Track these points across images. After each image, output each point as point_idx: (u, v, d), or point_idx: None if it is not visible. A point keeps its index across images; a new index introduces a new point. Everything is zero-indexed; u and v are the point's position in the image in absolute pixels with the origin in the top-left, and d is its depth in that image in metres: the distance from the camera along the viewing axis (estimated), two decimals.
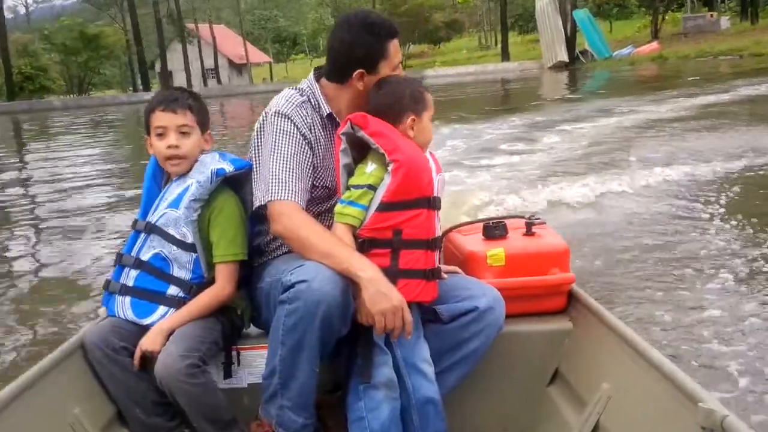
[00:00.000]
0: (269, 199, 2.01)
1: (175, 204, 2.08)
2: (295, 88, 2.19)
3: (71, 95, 57.71)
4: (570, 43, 44.34)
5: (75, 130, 25.72)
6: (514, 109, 17.90)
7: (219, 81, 64.07)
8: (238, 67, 70.14)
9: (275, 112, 2.11)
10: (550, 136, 11.96)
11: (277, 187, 2.01)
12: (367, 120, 1.98)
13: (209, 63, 64.97)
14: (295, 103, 2.13)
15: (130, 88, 63.66)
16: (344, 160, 2.03)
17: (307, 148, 2.09)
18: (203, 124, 2.17)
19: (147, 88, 53.51)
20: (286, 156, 2.05)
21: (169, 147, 2.09)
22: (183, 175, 2.12)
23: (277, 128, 2.08)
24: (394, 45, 2.11)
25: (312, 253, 1.89)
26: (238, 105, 34.92)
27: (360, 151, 2.03)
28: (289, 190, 2.01)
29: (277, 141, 2.07)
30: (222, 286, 2.09)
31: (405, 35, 55.45)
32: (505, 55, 52.84)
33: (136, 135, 19.62)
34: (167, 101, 2.11)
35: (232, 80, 67.13)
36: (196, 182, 2.08)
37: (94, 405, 1.98)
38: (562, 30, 44.13)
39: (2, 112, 41.36)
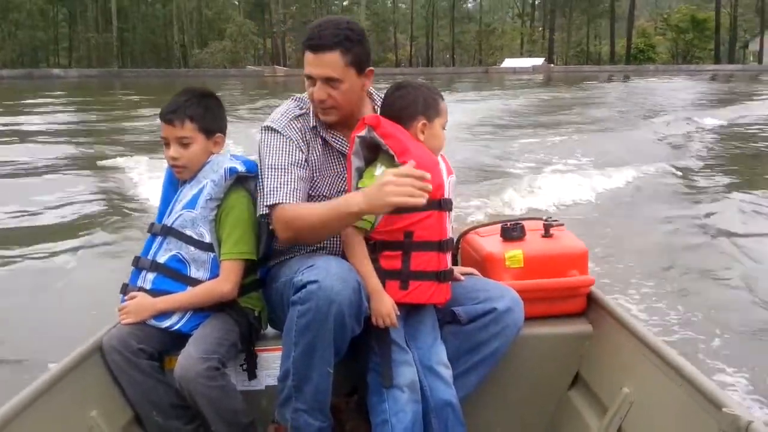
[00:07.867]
0: (264, 211, 2.03)
1: (191, 205, 2.10)
2: (295, 100, 2.19)
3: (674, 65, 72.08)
4: None
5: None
6: None
7: None
8: None
9: (265, 127, 2.13)
10: None
11: (269, 198, 2.01)
12: (379, 121, 1.98)
13: None
14: (290, 117, 2.13)
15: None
16: (356, 162, 2.02)
17: (299, 154, 2.09)
18: (209, 129, 2.15)
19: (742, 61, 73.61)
20: (276, 167, 2.05)
21: (169, 158, 2.13)
22: (194, 176, 2.13)
23: (265, 143, 2.10)
24: None
25: (316, 223, 1.94)
26: None
27: (372, 152, 2.03)
28: (283, 194, 2.01)
29: (268, 154, 2.08)
30: (222, 282, 2.07)
31: None
32: None
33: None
34: (167, 113, 2.12)
35: None
36: (210, 181, 2.09)
37: (111, 407, 1.99)
38: None
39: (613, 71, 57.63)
